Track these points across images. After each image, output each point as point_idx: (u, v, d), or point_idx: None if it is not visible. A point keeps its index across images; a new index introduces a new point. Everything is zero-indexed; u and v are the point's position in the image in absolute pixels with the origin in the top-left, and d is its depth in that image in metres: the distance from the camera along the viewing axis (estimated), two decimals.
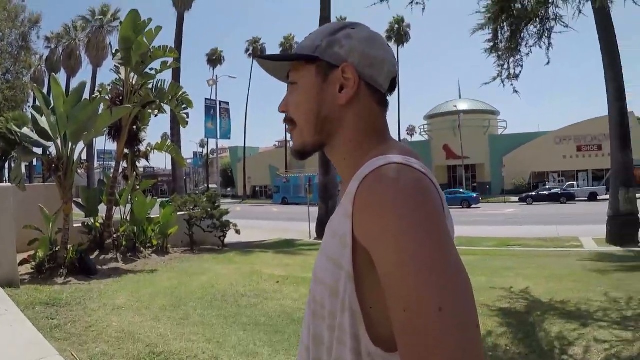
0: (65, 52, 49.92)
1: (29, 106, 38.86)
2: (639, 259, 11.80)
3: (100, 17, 47.30)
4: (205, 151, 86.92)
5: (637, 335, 5.39)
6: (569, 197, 39.58)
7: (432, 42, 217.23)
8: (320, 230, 18.60)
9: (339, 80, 1.05)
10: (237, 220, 15.73)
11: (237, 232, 15.06)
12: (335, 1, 19.80)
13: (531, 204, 39.73)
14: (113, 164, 13.71)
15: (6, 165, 40.20)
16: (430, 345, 0.75)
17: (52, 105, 10.15)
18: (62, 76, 50.27)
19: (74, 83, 42.87)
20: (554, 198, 39.85)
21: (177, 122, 24.47)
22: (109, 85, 14.99)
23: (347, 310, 0.91)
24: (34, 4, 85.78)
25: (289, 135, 1.20)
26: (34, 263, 9.64)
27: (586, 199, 39.84)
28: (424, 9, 10.85)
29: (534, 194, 42.04)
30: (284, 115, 1.15)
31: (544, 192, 41.30)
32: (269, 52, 70.32)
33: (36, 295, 7.84)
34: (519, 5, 11.10)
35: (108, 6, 47.32)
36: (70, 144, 10.10)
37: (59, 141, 10.07)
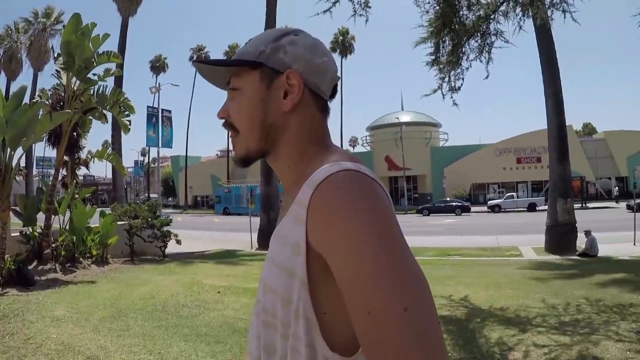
0: (6, 55, 47.66)
1: None
2: (576, 266, 12.31)
3: (43, 19, 45.54)
4: (146, 160, 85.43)
5: (575, 340, 5.68)
6: (464, 209, 41.19)
7: (376, 54, 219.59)
8: (262, 241, 18.67)
9: (283, 86, 1.06)
10: (178, 230, 15.65)
11: (178, 242, 15.00)
12: (280, 12, 20.00)
13: (427, 215, 41.53)
14: (52, 171, 13.43)
15: None
16: (399, 345, 0.76)
17: None
18: (1, 80, 48.95)
19: (14, 87, 41.75)
20: (449, 210, 41.69)
21: (118, 130, 24.11)
22: (50, 90, 14.71)
23: (301, 317, 0.91)
24: None
25: (231, 145, 1.17)
26: None
27: (526, 209, 41.10)
28: (367, 21, 11.04)
29: (429, 205, 44.07)
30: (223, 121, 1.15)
31: (440, 204, 43.17)
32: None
33: None
34: (461, 20, 11.44)
35: (52, 8, 45.62)
36: (8, 150, 9.85)
37: None
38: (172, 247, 15.52)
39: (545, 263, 13.20)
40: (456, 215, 40.16)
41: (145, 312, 7.54)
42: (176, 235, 14.97)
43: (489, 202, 44.86)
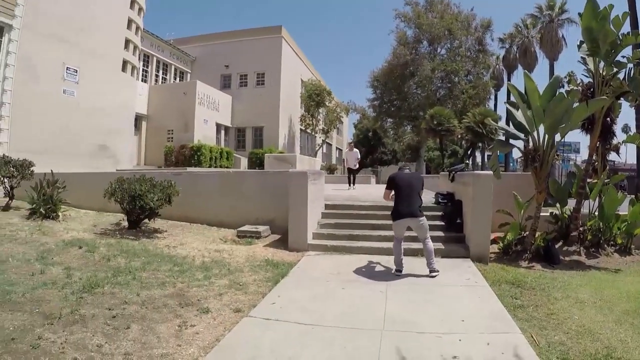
0: (520, 50, 52.93)
1: (488, 102, 44.12)
2: None
3: (548, 12, 48.77)
4: None
5: None
6: None
7: None
8: None
9: None
10: None
11: None
12: None
13: None
14: (571, 155, 13.63)
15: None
16: None
17: (527, 99, 10.72)
18: (519, 72, 54.55)
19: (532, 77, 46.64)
20: None
21: None
22: (565, 77, 14.83)
23: None
24: (481, 10, 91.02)
25: None
26: (501, 244, 10.64)
27: None
28: None
29: None
30: None
31: None
32: None
33: (502, 274, 8.63)
34: None
35: (554, 0, 48.48)
36: (546, 137, 10.64)
37: (535, 134, 10.72)
38: None
39: None
40: None
41: None
42: None
43: None
